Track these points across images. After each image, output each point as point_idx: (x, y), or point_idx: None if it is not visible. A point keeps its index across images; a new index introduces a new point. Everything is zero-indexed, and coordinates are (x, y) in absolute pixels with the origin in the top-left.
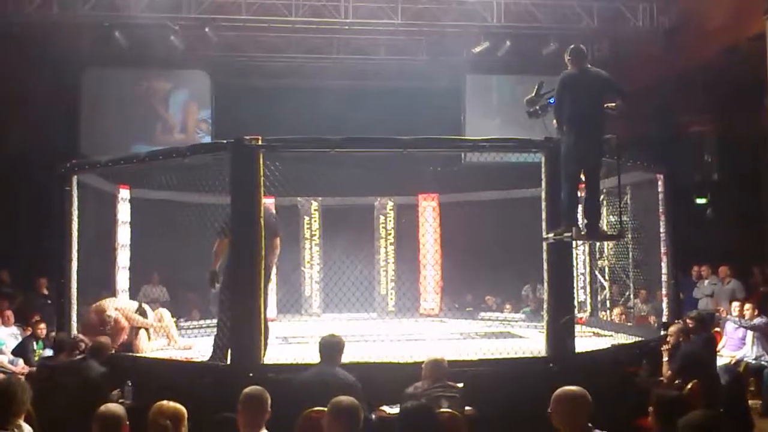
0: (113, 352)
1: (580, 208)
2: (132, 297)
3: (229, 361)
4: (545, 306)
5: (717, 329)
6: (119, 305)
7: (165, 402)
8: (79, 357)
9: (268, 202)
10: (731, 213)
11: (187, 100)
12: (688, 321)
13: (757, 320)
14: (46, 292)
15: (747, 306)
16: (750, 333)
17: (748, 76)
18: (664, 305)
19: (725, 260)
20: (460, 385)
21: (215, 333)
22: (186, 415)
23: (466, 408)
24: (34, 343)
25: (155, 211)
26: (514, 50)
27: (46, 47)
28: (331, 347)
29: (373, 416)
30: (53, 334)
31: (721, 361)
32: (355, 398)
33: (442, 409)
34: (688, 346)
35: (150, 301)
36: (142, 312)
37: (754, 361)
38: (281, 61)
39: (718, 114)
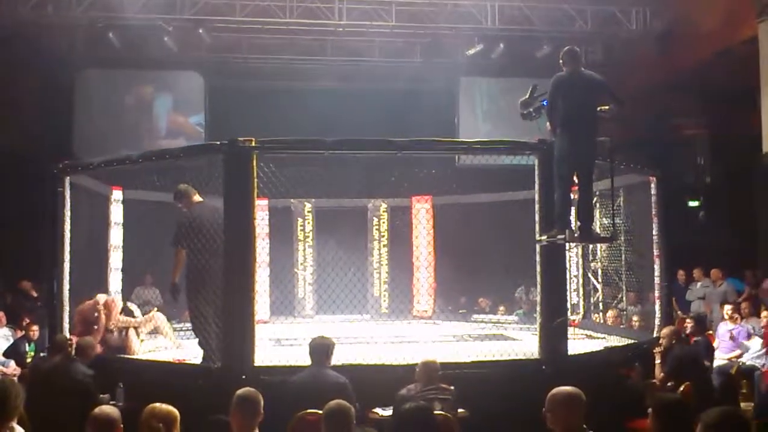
0: (110, 351)
1: (573, 210)
2: (125, 298)
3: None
4: (538, 308)
5: (710, 332)
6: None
7: (157, 404)
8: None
9: (217, 205)
10: (724, 215)
11: (177, 103)
12: (687, 322)
13: None
14: (35, 294)
15: (765, 314)
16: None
17: (740, 79)
18: (657, 308)
19: (717, 263)
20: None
21: (198, 338)
22: (178, 418)
23: (459, 410)
24: (26, 344)
25: (148, 213)
26: (508, 53)
27: (40, 47)
28: (321, 349)
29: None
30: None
31: (718, 361)
32: (346, 399)
33: (435, 412)
34: (681, 348)
35: (143, 303)
36: (128, 312)
37: (752, 362)
38: (275, 63)
39: (711, 117)
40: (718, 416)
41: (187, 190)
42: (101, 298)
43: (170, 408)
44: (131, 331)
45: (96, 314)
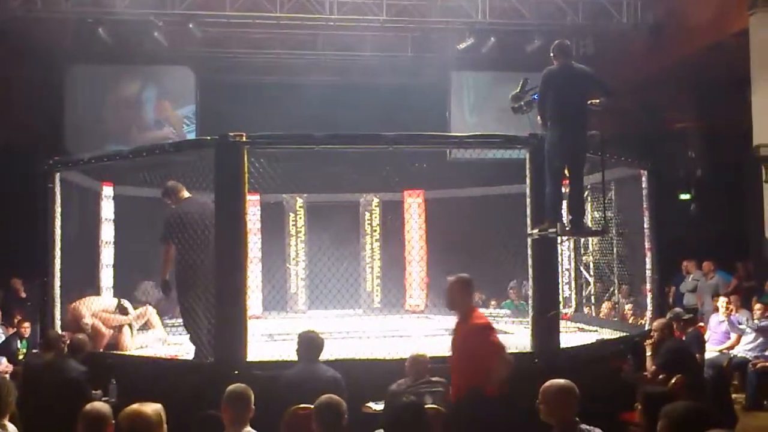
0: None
1: (564, 203)
2: (126, 294)
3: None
4: (530, 301)
5: (701, 324)
6: (96, 308)
7: (136, 408)
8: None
9: (205, 200)
10: (715, 208)
11: (161, 93)
12: (674, 324)
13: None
14: (23, 295)
15: (757, 306)
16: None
17: (731, 72)
18: (648, 300)
19: (709, 255)
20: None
21: (190, 334)
22: (163, 419)
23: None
24: (18, 341)
25: (141, 209)
26: (499, 47)
27: (29, 43)
28: (310, 343)
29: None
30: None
31: (710, 353)
32: (338, 394)
33: (426, 405)
34: (672, 341)
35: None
36: (122, 309)
37: (744, 354)
38: (266, 57)
39: (702, 110)
40: (680, 411)
41: (175, 186)
42: (88, 320)
43: (151, 410)
44: (125, 329)
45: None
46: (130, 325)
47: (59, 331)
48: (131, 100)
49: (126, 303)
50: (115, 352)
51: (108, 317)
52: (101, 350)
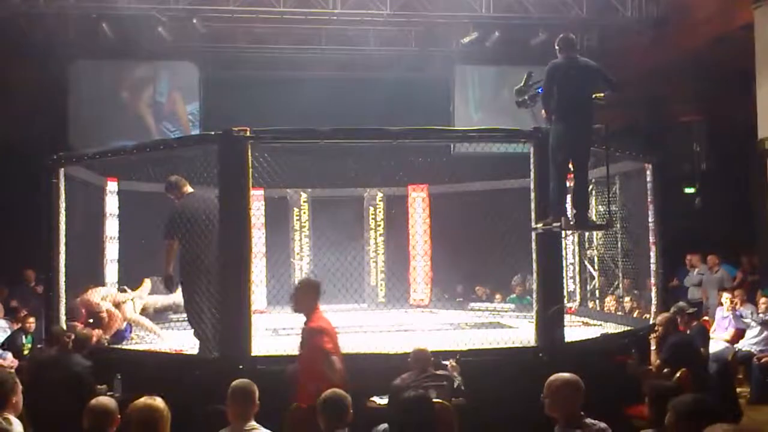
0: (107, 344)
1: (568, 197)
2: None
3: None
4: (534, 296)
5: (706, 318)
6: (104, 293)
7: (142, 403)
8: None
9: (211, 196)
10: (720, 202)
11: (172, 92)
12: (678, 318)
13: None
14: (34, 284)
15: (762, 300)
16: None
17: (736, 66)
18: (653, 294)
19: (714, 249)
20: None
21: (194, 328)
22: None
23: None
24: (23, 336)
25: (147, 204)
26: (503, 41)
27: (32, 39)
28: None
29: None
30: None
31: (715, 347)
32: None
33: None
34: (677, 335)
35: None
36: (122, 290)
37: (749, 348)
38: (270, 52)
39: (707, 103)
40: (688, 404)
41: (178, 181)
42: (104, 305)
43: (160, 405)
44: (128, 304)
45: (101, 314)
46: (132, 301)
47: (68, 323)
48: (136, 96)
49: (126, 289)
50: (120, 346)
51: (114, 296)
52: (114, 333)
